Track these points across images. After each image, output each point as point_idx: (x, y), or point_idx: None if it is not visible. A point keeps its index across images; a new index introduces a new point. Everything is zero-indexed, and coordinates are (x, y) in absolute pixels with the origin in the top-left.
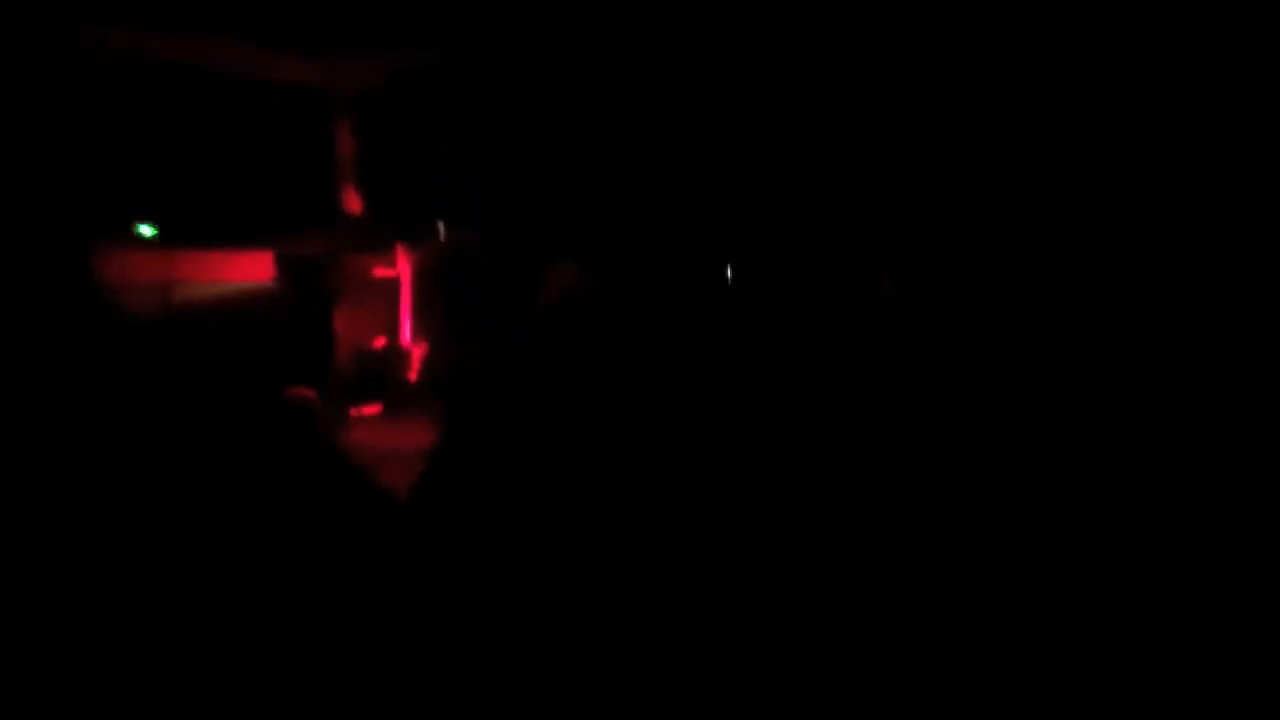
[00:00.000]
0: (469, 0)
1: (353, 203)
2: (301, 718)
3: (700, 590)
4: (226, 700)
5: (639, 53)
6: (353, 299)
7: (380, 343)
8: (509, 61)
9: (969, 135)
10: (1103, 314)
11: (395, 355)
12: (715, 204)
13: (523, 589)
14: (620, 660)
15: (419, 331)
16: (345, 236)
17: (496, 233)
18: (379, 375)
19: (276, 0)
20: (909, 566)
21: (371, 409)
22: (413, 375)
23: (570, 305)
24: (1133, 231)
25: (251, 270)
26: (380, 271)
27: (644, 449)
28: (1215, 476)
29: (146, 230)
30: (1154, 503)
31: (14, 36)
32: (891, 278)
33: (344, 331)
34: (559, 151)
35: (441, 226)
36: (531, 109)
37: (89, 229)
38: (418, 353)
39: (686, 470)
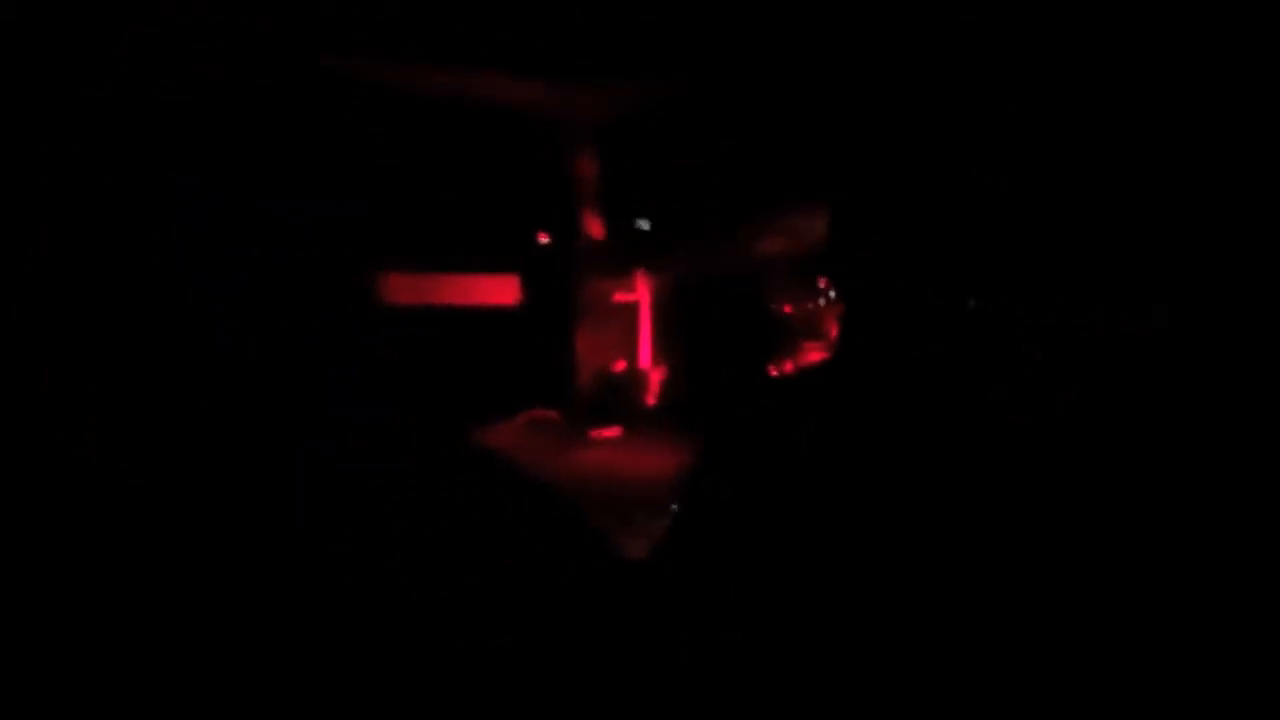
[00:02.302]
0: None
1: (594, 228)
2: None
3: None
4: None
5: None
6: (593, 323)
7: (620, 366)
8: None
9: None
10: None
11: (635, 378)
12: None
13: (767, 625)
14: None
15: (658, 355)
16: (586, 262)
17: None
18: (619, 398)
19: (523, 29)
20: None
21: (611, 431)
22: (651, 399)
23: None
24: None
25: (497, 294)
26: (620, 296)
27: (889, 473)
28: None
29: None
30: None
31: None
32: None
33: (584, 355)
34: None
35: (682, 252)
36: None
37: (345, 259)
38: (656, 376)
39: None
